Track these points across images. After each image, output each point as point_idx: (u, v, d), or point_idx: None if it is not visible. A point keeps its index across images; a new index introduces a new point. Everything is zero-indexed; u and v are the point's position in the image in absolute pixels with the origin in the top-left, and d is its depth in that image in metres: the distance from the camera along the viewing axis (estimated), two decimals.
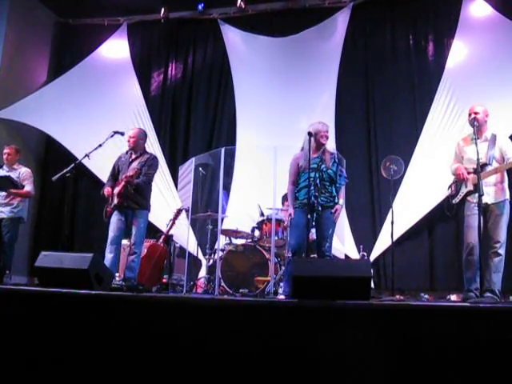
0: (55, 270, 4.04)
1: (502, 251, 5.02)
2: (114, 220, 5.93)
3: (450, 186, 5.51)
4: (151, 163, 6.07)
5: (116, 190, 5.89)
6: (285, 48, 8.85)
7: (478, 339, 2.77)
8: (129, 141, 6.11)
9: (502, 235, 5.06)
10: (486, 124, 5.34)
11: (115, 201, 5.86)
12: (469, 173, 5.22)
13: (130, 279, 5.83)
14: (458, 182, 5.33)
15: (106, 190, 5.97)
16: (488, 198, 5.00)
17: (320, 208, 5.06)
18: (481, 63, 7.69)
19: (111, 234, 5.90)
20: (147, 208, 6.06)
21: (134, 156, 6.12)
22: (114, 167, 6.21)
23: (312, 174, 5.12)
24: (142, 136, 6.21)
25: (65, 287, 3.50)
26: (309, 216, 4.96)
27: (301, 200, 5.21)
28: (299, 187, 5.27)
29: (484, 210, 5.05)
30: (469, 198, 5.22)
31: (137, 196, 5.92)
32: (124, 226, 5.95)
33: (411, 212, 7.60)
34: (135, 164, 6.01)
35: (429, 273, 7.75)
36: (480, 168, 5.02)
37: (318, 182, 5.06)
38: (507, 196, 5.19)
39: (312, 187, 5.07)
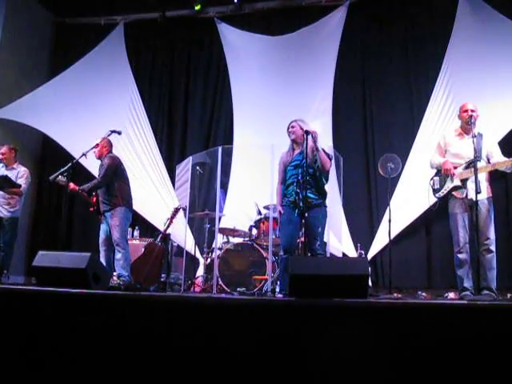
0: (53, 270, 4.04)
1: (493, 248, 5.03)
2: (101, 225, 6.21)
3: (432, 179, 5.49)
4: (103, 163, 6.22)
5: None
6: (281, 47, 8.86)
7: (475, 337, 2.78)
8: (94, 152, 6.27)
9: (492, 232, 5.07)
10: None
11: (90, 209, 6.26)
12: (455, 167, 5.23)
13: (123, 276, 5.90)
14: (443, 176, 5.32)
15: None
16: (477, 194, 4.98)
17: (306, 205, 4.98)
18: (478, 62, 7.67)
19: (99, 239, 6.18)
20: (121, 204, 6.13)
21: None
22: None
23: (294, 172, 5.13)
24: (105, 145, 6.33)
25: (62, 287, 3.50)
26: (306, 214, 4.93)
27: (288, 197, 5.20)
28: (286, 184, 5.26)
29: (470, 206, 5.09)
30: (455, 194, 5.22)
31: (106, 197, 6.13)
32: (108, 227, 6.13)
33: (408, 210, 7.60)
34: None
35: (426, 271, 7.77)
36: (469, 164, 5.08)
37: (299, 178, 5.01)
38: (491, 193, 5.22)
39: (295, 185, 5.07)
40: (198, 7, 9.15)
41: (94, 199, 6.18)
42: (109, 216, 6.05)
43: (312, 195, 5.07)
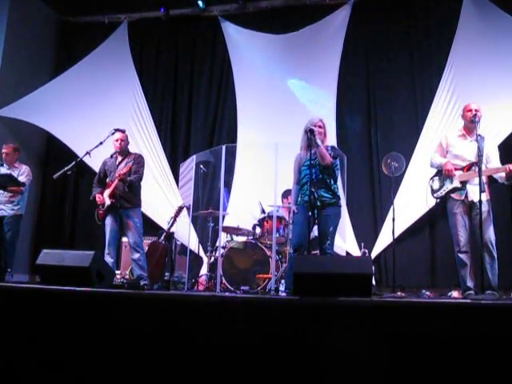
0: (57, 268, 4.05)
1: (493, 248, 5.02)
2: (109, 222, 6.04)
3: (431, 178, 5.48)
4: (139, 161, 6.19)
5: (107, 192, 5.98)
6: (285, 45, 8.84)
7: (479, 336, 2.77)
8: (120, 143, 6.18)
9: (493, 233, 5.07)
10: None
11: (108, 202, 5.96)
12: (455, 169, 5.22)
13: (142, 277, 5.90)
14: (444, 176, 5.31)
15: (98, 198, 6.04)
16: (475, 196, 4.97)
17: (319, 204, 5.01)
18: (482, 61, 7.64)
19: (107, 236, 6.02)
20: (139, 205, 6.15)
21: (120, 158, 6.20)
22: (99, 173, 6.34)
23: (307, 171, 5.12)
24: (127, 139, 6.34)
25: (66, 285, 3.50)
26: (309, 213, 4.94)
27: (302, 197, 5.20)
28: (301, 184, 5.27)
29: (470, 207, 5.09)
30: (453, 195, 5.22)
31: (128, 194, 6.02)
32: (119, 226, 6.07)
33: (412, 209, 7.59)
34: (122, 165, 6.09)
35: (430, 269, 7.75)
36: (470, 166, 5.07)
37: (313, 177, 5.01)
38: (489, 196, 5.20)
39: (308, 184, 5.06)
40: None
41: (105, 194, 6.00)
42: (128, 214, 5.98)
43: (326, 194, 5.08)
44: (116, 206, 5.98)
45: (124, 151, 6.23)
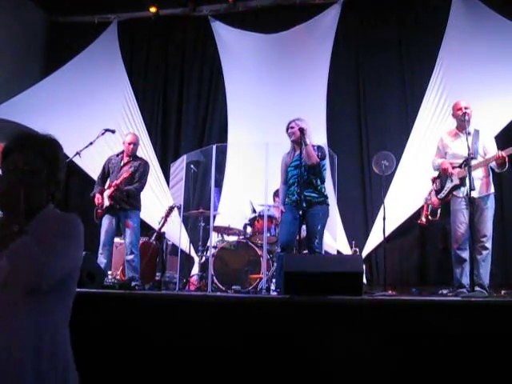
0: None
1: (488, 245, 5.05)
2: (105, 222, 6.00)
3: (433, 181, 5.53)
4: (144, 169, 6.15)
5: (107, 193, 5.95)
6: (275, 45, 8.85)
7: (469, 333, 2.79)
8: (133, 148, 6.17)
9: (489, 229, 5.10)
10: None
11: (107, 203, 5.92)
12: (453, 167, 5.25)
13: (134, 278, 5.88)
14: (443, 176, 5.35)
15: (97, 199, 6.00)
16: (474, 191, 5.01)
17: (305, 204, 5.02)
18: (472, 59, 7.68)
19: (103, 237, 5.98)
20: (139, 208, 6.13)
21: (125, 160, 6.15)
22: (103, 169, 6.30)
23: (295, 172, 5.15)
24: (138, 142, 6.35)
25: None
26: (299, 212, 4.95)
27: (290, 197, 5.24)
28: (288, 184, 5.32)
29: (472, 203, 5.11)
30: (455, 193, 5.26)
31: (129, 198, 6.00)
32: (115, 227, 6.04)
33: (403, 207, 7.61)
34: (126, 168, 6.05)
35: (421, 268, 7.78)
36: (466, 162, 5.10)
37: (300, 178, 5.04)
38: (492, 190, 5.24)
39: (295, 184, 5.10)
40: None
41: (105, 194, 5.98)
42: (127, 215, 5.97)
43: (313, 193, 5.11)
44: (115, 207, 5.96)
45: (133, 154, 6.22)
